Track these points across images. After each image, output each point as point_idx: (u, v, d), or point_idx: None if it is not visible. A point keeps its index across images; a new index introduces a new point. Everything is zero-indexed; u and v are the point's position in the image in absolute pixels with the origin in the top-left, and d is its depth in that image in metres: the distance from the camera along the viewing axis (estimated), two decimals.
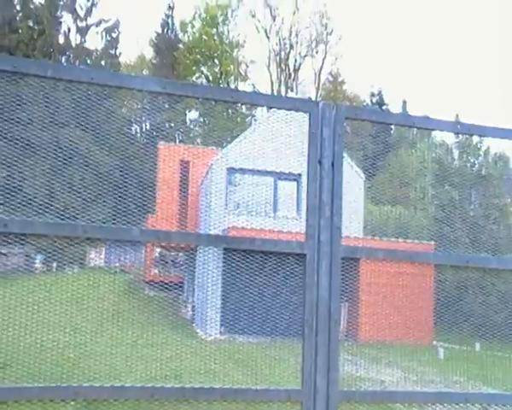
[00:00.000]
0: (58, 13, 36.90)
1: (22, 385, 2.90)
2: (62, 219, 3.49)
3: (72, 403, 6.75)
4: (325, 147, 3.17)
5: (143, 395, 2.78)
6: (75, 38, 37.33)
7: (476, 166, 20.36)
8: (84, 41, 37.70)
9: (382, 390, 4.33)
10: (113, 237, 2.88)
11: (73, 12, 37.62)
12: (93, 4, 38.41)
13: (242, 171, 18.07)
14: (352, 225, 16.64)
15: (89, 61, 36.33)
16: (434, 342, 13.97)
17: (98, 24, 38.97)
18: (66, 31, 37.19)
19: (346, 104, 3.89)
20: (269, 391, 3.01)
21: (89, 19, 38.11)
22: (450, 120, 3.90)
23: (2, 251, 10.80)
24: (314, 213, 3.11)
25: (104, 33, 39.32)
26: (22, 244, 9.73)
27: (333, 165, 3.19)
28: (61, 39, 36.69)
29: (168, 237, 2.99)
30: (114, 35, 39.87)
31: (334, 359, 2.99)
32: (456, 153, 21.71)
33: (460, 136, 21.44)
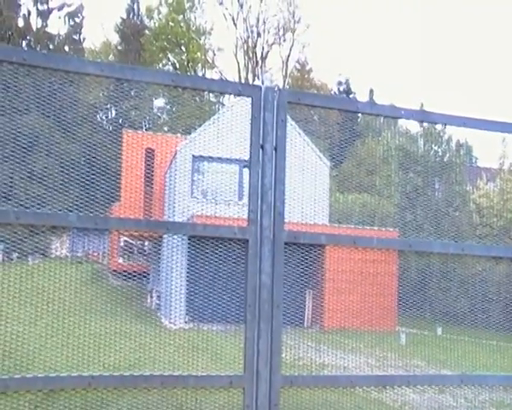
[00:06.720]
0: None
1: None
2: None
3: (28, 396, 6.63)
4: (267, 131, 3.14)
5: (80, 384, 2.72)
6: (36, 22, 36.12)
7: (439, 153, 20.59)
8: (46, 25, 36.41)
9: (325, 375, 4.35)
10: (48, 222, 2.80)
11: None
12: None
13: (208, 158, 17.92)
14: (318, 213, 16.67)
15: (51, 46, 35.25)
16: (398, 328, 14.15)
17: (61, 8, 37.82)
18: (26, 14, 35.95)
19: (288, 89, 3.85)
20: (211, 377, 2.98)
21: (50, 2, 36.92)
22: (396, 106, 3.90)
23: None
24: (256, 198, 3.08)
25: (67, 18, 38.21)
26: None
27: (276, 149, 3.16)
28: (21, 23, 35.44)
29: (106, 223, 2.92)
30: (78, 20, 38.81)
31: (277, 344, 2.98)
32: (421, 141, 21.91)
33: (425, 124, 21.71)
